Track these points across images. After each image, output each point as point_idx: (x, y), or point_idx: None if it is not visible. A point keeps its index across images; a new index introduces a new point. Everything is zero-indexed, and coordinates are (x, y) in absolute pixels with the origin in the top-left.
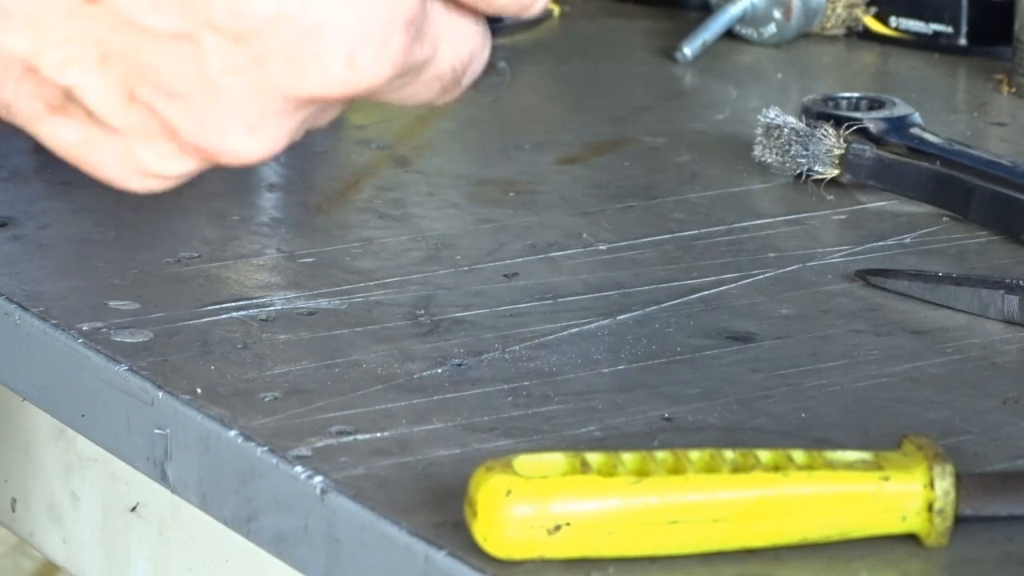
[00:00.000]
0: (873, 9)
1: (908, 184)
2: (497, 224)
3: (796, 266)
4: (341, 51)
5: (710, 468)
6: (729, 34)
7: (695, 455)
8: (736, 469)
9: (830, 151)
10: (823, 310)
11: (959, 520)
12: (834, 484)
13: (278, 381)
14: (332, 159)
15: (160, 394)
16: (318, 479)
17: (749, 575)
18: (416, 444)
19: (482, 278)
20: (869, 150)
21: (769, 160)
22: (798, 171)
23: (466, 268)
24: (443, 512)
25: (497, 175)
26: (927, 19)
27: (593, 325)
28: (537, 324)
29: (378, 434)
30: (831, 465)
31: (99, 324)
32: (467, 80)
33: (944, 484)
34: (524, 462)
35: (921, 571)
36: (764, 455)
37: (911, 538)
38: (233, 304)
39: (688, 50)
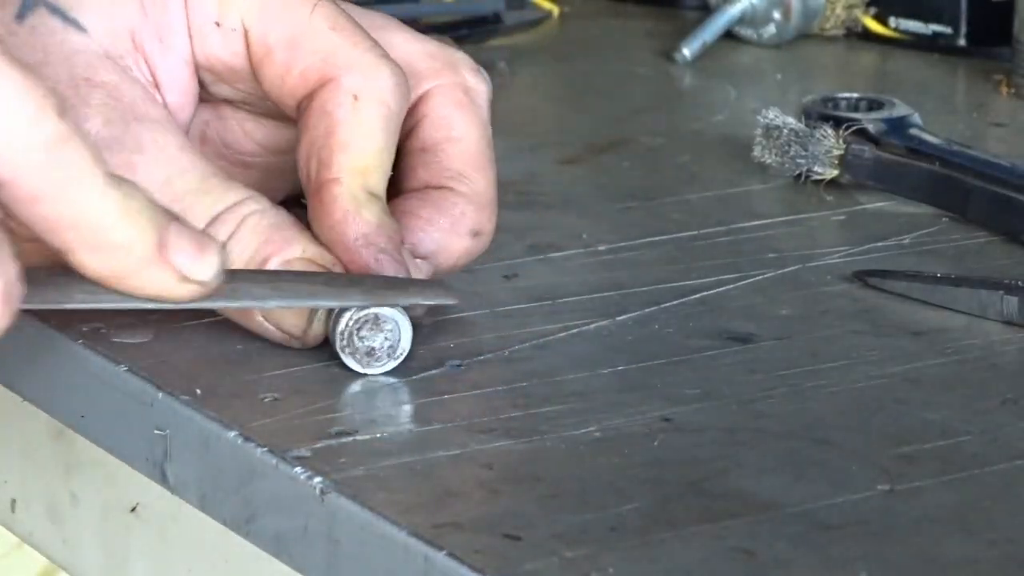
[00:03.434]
0: (873, 10)
1: (907, 185)
2: (496, 224)
3: (795, 267)
4: None
5: None
6: (729, 34)
7: None
8: None
9: (829, 152)
10: (822, 311)
11: None
12: None
13: (278, 381)
14: None
15: (160, 395)
16: (318, 480)
17: (749, 575)
18: (416, 444)
19: (481, 278)
20: (868, 151)
21: (768, 161)
22: (797, 172)
23: (465, 268)
24: (443, 512)
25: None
26: (926, 20)
27: (593, 326)
28: (537, 325)
29: (378, 434)
30: None
31: (99, 324)
32: None
33: None
34: None
35: (921, 572)
36: None
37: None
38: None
39: (688, 50)
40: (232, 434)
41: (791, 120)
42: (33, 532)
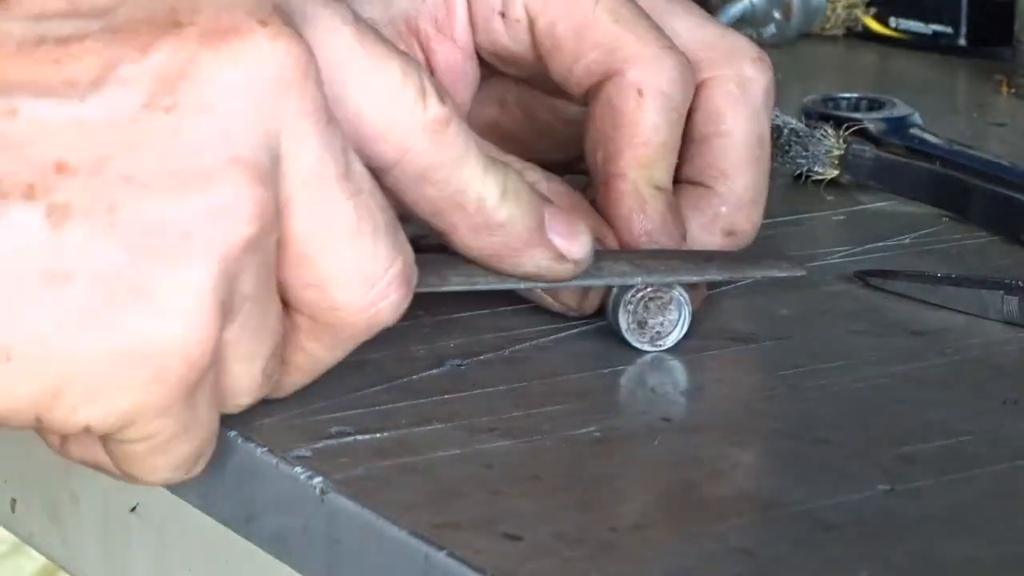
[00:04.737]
0: (873, 9)
1: (908, 185)
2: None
3: None
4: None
5: None
6: None
7: None
8: None
9: (830, 152)
10: (823, 311)
11: None
12: None
13: None
14: None
15: None
16: (318, 480)
17: (749, 575)
18: (416, 444)
19: None
20: (869, 151)
21: None
22: (798, 171)
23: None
24: (443, 512)
25: None
26: (927, 19)
27: (593, 325)
28: (537, 325)
29: (378, 435)
30: None
31: None
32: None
33: None
34: None
35: (921, 572)
36: None
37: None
38: None
39: None
40: (232, 434)
41: (791, 120)
42: (33, 532)
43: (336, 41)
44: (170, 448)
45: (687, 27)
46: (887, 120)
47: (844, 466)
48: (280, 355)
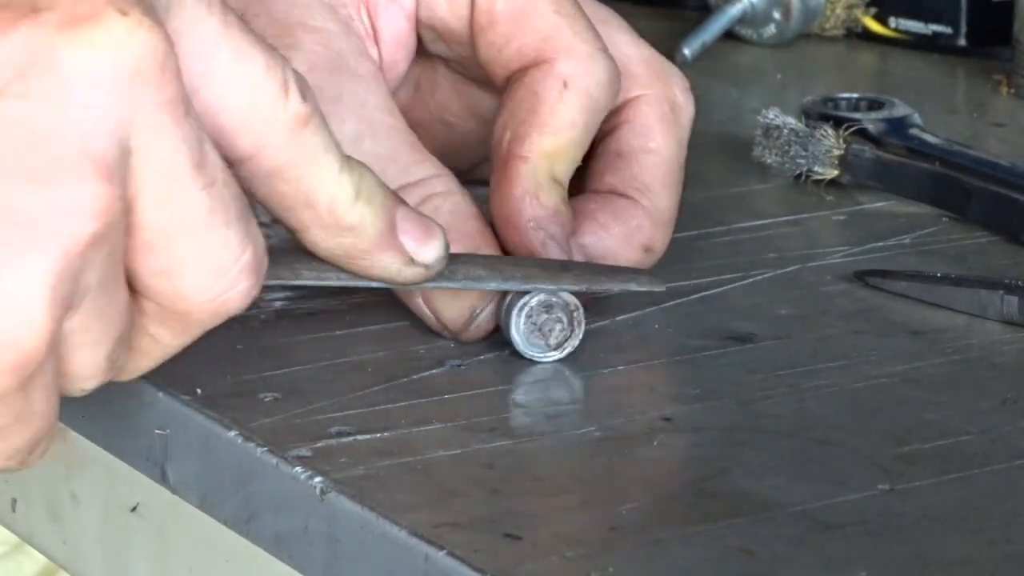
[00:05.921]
0: (873, 10)
1: (907, 185)
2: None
3: (795, 267)
4: None
5: None
6: (729, 34)
7: None
8: None
9: (829, 152)
10: (822, 311)
11: None
12: None
13: (278, 381)
14: None
15: (160, 394)
16: (318, 479)
17: (749, 575)
18: (416, 444)
19: None
20: (868, 151)
21: (769, 161)
22: (797, 172)
23: None
24: (443, 512)
25: None
26: (926, 20)
27: (593, 326)
28: None
29: (378, 434)
30: None
31: None
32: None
33: None
34: None
35: (921, 572)
36: None
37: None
38: None
39: (688, 50)
40: (232, 434)
41: (791, 120)
42: (33, 532)
43: (201, 31)
44: (3, 437)
45: (626, 40)
46: (887, 120)
47: (844, 466)
48: (126, 341)
